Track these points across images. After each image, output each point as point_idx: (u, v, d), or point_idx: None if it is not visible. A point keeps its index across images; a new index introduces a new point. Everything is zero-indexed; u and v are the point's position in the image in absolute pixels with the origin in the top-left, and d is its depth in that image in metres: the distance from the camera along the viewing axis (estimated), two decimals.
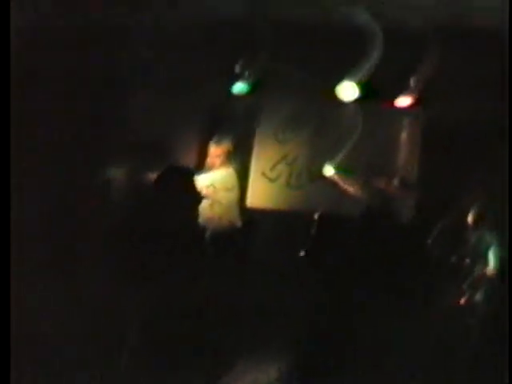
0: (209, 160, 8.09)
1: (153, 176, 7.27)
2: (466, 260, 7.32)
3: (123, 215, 5.90)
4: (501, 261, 7.22)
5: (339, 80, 8.38)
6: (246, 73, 8.46)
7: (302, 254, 7.41)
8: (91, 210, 7.36)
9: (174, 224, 4.54)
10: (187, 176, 4.92)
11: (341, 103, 8.61)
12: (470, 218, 7.57)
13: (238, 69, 8.41)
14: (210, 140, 8.21)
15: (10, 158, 4.41)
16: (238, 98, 8.68)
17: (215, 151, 8.09)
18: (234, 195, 8.19)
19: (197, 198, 4.89)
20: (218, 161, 8.05)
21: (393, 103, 8.54)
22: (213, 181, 7.93)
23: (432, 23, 7.43)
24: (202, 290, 4.68)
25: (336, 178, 8.62)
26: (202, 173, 7.88)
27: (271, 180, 9.47)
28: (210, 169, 8.01)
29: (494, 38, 7.26)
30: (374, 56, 7.83)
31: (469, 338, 7.03)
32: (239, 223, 8.17)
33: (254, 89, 8.56)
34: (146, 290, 4.57)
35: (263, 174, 9.44)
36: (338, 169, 8.62)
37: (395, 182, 8.37)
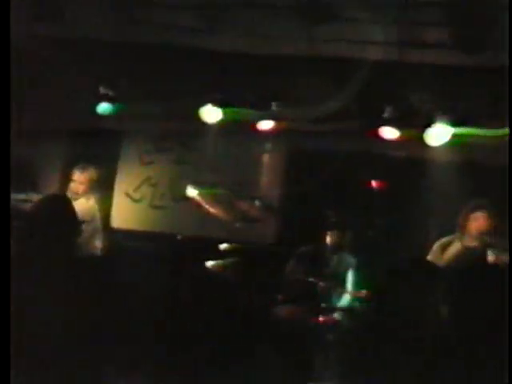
0: (72, 186, 7.86)
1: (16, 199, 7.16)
2: (325, 281, 7.52)
3: None
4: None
5: (203, 102, 8.46)
6: (112, 94, 8.42)
7: (167, 274, 7.44)
8: None
9: (52, 251, 4.47)
10: (67, 203, 4.81)
11: (204, 125, 8.67)
12: (329, 241, 7.79)
13: (103, 90, 8.36)
14: (74, 165, 8.03)
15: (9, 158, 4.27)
16: (103, 119, 8.63)
17: (79, 178, 7.90)
18: (93, 227, 7.93)
19: (77, 225, 4.80)
20: (81, 188, 7.85)
21: (256, 127, 8.68)
22: None
23: (297, 52, 7.63)
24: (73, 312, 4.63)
25: (199, 199, 8.66)
26: None
27: (135, 201, 9.53)
28: (74, 195, 7.76)
29: (354, 67, 7.56)
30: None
31: (329, 353, 7.21)
32: (102, 250, 8.02)
33: (120, 110, 8.50)
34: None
35: (127, 194, 9.49)
36: (200, 190, 8.67)
37: (257, 204, 8.49)
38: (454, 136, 7.91)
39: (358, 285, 7.59)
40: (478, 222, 6.93)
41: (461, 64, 7.13)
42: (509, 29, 6.07)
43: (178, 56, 7.97)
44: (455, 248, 7.00)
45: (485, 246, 6.79)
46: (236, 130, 8.75)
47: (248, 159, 9.32)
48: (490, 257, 6.86)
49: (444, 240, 7.12)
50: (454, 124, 7.79)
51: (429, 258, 7.08)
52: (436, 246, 7.10)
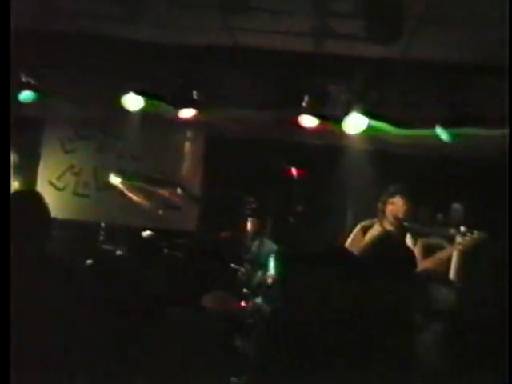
0: None
1: None
2: (246, 266, 7.63)
3: None
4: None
5: (125, 91, 8.44)
6: (33, 82, 8.37)
7: (89, 262, 7.44)
8: None
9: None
10: (38, 197, 4.76)
11: (127, 113, 8.67)
12: (250, 227, 7.92)
13: (24, 78, 8.31)
14: None
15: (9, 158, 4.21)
16: (25, 106, 8.51)
17: None
18: None
19: (48, 216, 4.73)
20: None
21: (177, 115, 8.68)
22: None
23: (216, 42, 7.73)
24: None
25: (122, 187, 8.69)
26: None
27: (58, 189, 9.52)
28: None
29: (272, 57, 7.69)
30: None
31: (252, 337, 7.30)
32: None
33: (42, 98, 8.43)
34: None
35: (50, 182, 9.48)
36: (123, 178, 8.70)
37: (179, 191, 8.55)
38: (370, 125, 8.12)
39: (278, 270, 7.71)
40: (395, 206, 7.11)
41: (374, 55, 7.34)
42: (509, 29, 6.07)
43: (98, 44, 7.97)
44: (376, 231, 7.17)
45: (403, 231, 7.00)
46: (157, 118, 8.79)
47: (169, 147, 9.42)
48: (409, 241, 7.08)
49: (365, 223, 7.30)
50: (369, 114, 7.99)
51: (350, 240, 7.25)
52: (357, 228, 7.27)
